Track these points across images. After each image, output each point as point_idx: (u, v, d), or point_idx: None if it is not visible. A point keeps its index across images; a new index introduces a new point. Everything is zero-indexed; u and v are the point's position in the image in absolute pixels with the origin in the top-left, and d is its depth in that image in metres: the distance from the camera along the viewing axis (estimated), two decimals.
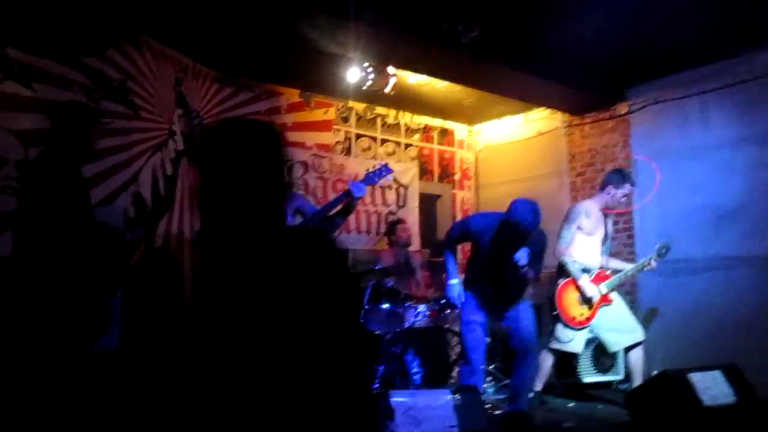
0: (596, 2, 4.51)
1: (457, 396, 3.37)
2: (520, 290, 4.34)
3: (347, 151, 7.11)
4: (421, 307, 5.35)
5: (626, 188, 4.91)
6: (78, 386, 3.37)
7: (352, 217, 6.81)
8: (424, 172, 7.82)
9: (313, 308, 1.42)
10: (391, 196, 7.29)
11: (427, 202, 7.83)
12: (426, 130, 7.88)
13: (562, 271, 4.88)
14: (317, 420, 1.38)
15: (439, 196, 8.04)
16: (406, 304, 5.35)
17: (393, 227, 6.31)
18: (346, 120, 7.14)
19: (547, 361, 4.98)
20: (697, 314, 5.59)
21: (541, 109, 7.29)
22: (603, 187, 5.00)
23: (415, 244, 7.08)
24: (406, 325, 5.23)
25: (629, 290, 6.03)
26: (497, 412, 4.75)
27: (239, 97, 6.24)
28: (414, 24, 4.89)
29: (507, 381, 5.38)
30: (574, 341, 4.82)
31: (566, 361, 5.22)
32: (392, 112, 7.52)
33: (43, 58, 4.37)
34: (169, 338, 4.13)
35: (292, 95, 6.68)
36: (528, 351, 4.34)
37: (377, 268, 5.54)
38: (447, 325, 5.46)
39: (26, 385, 3.22)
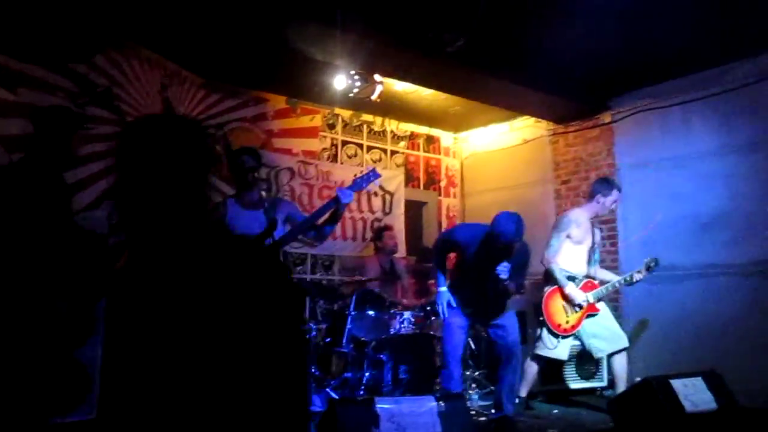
0: (580, 13, 4.55)
1: (442, 403, 3.38)
2: (502, 301, 4.37)
3: (333, 158, 7.13)
4: (407, 314, 5.37)
5: (614, 194, 4.96)
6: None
7: (338, 224, 6.83)
8: (410, 179, 7.85)
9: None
10: (377, 202, 7.31)
11: (413, 209, 7.86)
12: (412, 137, 7.92)
13: (548, 278, 4.92)
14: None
15: (425, 203, 8.06)
16: (392, 311, 5.37)
17: (379, 234, 6.32)
18: (332, 127, 7.16)
19: (532, 367, 5.00)
20: (679, 321, 5.64)
21: (526, 117, 7.35)
22: (591, 197, 5.03)
23: (401, 251, 7.10)
24: (392, 331, 5.25)
25: (613, 297, 6.08)
26: (482, 419, 4.77)
27: (226, 104, 6.24)
28: (400, 33, 4.92)
29: (492, 388, 5.41)
30: (559, 348, 4.85)
31: (551, 368, 5.25)
32: (378, 120, 7.55)
33: (30, 64, 4.36)
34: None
35: (279, 102, 6.69)
36: (512, 358, 4.36)
37: (362, 279, 5.57)
38: (432, 332, 5.47)
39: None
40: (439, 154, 8.21)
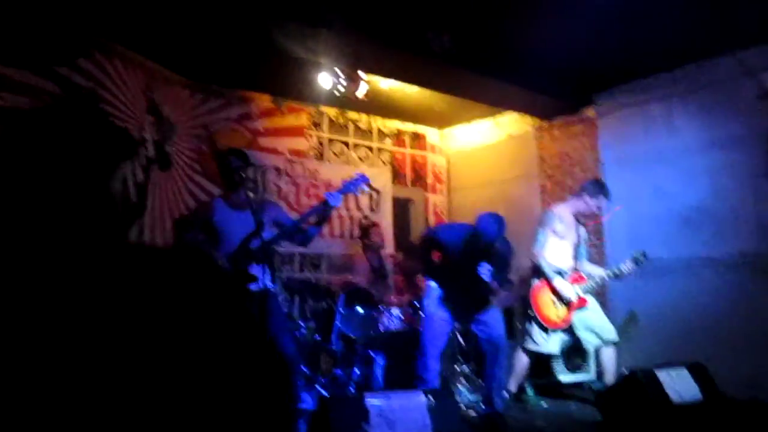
0: (563, 10, 4.59)
1: (431, 397, 3.41)
2: (485, 299, 4.42)
3: (320, 156, 7.13)
4: (396, 311, 5.39)
5: (600, 199, 4.98)
6: None
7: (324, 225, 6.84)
8: (397, 176, 7.87)
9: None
10: (364, 200, 7.33)
11: (400, 206, 7.89)
12: (398, 134, 7.94)
13: (535, 272, 4.96)
14: None
15: (411, 200, 8.09)
16: (381, 308, 5.39)
17: (366, 231, 6.33)
18: (318, 125, 7.16)
19: (521, 361, 5.04)
20: (665, 314, 5.71)
21: (511, 113, 7.39)
22: (579, 194, 5.07)
23: (389, 248, 7.12)
24: (381, 328, 5.27)
25: (599, 291, 6.12)
26: (471, 413, 4.81)
27: (210, 104, 6.23)
28: (384, 31, 4.93)
29: (481, 382, 5.45)
30: (548, 342, 4.90)
31: (540, 362, 5.29)
32: (364, 117, 7.56)
33: (14, 68, 4.32)
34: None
35: (264, 101, 6.68)
36: (498, 354, 4.40)
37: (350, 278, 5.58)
38: (421, 328, 5.49)
39: None
40: (426, 150, 8.24)
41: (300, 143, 6.96)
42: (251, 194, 3.87)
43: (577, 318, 4.87)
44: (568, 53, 5.28)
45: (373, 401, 3.32)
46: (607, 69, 5.95)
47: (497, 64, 5.65)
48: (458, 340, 5.58)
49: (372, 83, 6.10)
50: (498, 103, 6.93)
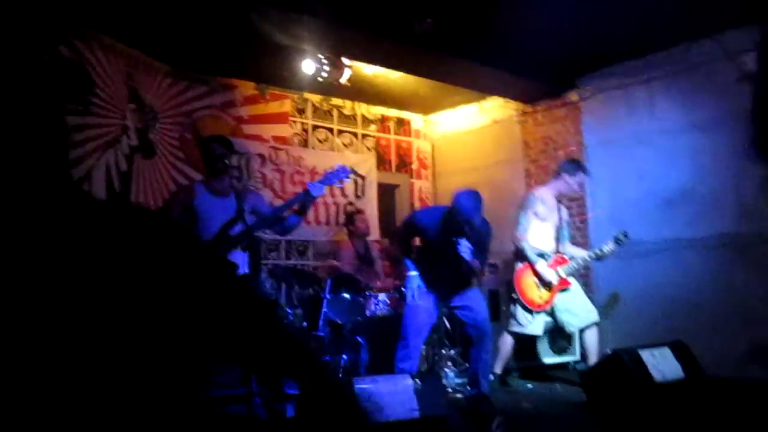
0: None
1: (418, 381, 3.45)
2: (466, 279, 4.41)
3: (304, 143, 7.12)
4: (382, 296, 5.43)
5: (580, 177, 5.06)
6: None
7: (311, 209, 6.84)
8: (382, 162, 7.88)
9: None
10: (349, 187, 7.32)
11: (385, 192, 7.89)
12: (382, 120, 7.93)
13: (519, 255, 5.01)
14: None
15: (397, 186, 8.10)
16: (367, 294, 5.42)
17: (352, 218, 6.34)
18: (302, 112, 7.14)
19: (506, 344, 5.09)
20: (648, 295, 5.78)
21: (495, 98, 7.40)
22: (557, 175, 5.13)
23: (375, 234, 7.14)
24: (368, 314, 5.30)
25: (583, 273, 6.19)
26: (458, 396, 4.86)
27: (193, 91, 6.19)
28: (367, 16, 4.92)
29: (467, 365, 5.50)
30: (533, 324, 4.95)
31: (525, 344, 5.35)
32: (348, 103, 7.55)
33: None
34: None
35: (247, 88, 6.65)
36: (483, 336, 4.40)
37: (336, 264, 5.60)
38: None
39: None
40: (410, 136, 8.24)
41: (284, 130, 6.94)
42: (235, 181, 3.86)
43: (559, 299, 4.93)
44: (550, 37, 5.31)
45: (361, 385, 3.35)
46: (590, 53, 5.98)
47: (480, 49, 5.65)
48: (444, 324, 5.62)
49: (356, 69, 6.09)
50: (481, 87, 6.93)
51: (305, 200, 3.94)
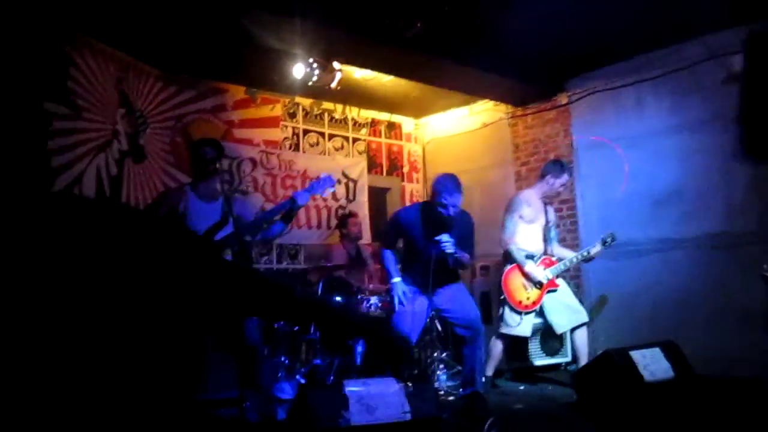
0: None
1: (409, 383, 3.45)
2: (452, 275, 4.40)
3: (295, 147, 7.12)
4: (374, 299, 5.42)
5: (564, 178, 5.09)
6: None
7: (302, 213, 6.86)
8: (373, 166, 7.89)
9: None
10: (341, 190, 7.33)
11: (377, 196, 7.91)
12: (373, 124, 7.95)
13: (508, 258, 5.02)
14: None
15: (388, 189, 8.12)
16: (359, 297, 5.42)
17: (344, 221, 6.35)
18: (293, 116, 7.15)
19: (497, 346, 5.11)
20: (638, 295, 5.82)
21: (485, 101, 7.44)
22: (542, 177, 5.16)
23: (366, 237, 7.15)
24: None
25: (574, 274, 6.24)
26: (450, 398, 4.86)
27: (184, 95, 6.18)
28: (357, 20, 4.93)
29: (459, 368, 5.51)
30: (521, 325, 4.96)
31: (516, 346, 5.36)
32: (339, 107, 7.56)
33: None
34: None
35: (238, 92, 6.65)
36: (476, 336, 4.38)
37: (328, 265, 5.61)
38: None
39: None
40: (401, 140, 8.26)
41: (275, 134, 6.94)
42: (225, 186, 3.86)
43: (548, 301, 4.95)
44: (539, 40, 5.32)
45: (352, 388, 3.35)
46: (579, 55, 6.01)
47: (470, 52, 5.68)
48: (436, 327, 5.63)
49: (346, 73, 6.10)
50: (472, 90, 6.97)
51: (291, 208, 3.94)
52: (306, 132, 7.25)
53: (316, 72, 5.83)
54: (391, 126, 8.16)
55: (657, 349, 4.20)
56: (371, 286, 5.96)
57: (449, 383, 5.28)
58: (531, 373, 5.61)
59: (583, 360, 4.86)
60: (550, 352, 5.70)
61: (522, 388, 5.29)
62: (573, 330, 4.97)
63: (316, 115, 7.36)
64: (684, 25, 5.33)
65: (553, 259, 5.05)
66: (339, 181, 7.29)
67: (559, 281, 5.02)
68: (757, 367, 4.82)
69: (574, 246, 6.11)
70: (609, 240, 4.91)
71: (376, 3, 4.79)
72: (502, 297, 5.01)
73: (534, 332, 5.30)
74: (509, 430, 3.93)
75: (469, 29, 5.31)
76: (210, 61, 5.86)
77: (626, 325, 5.79)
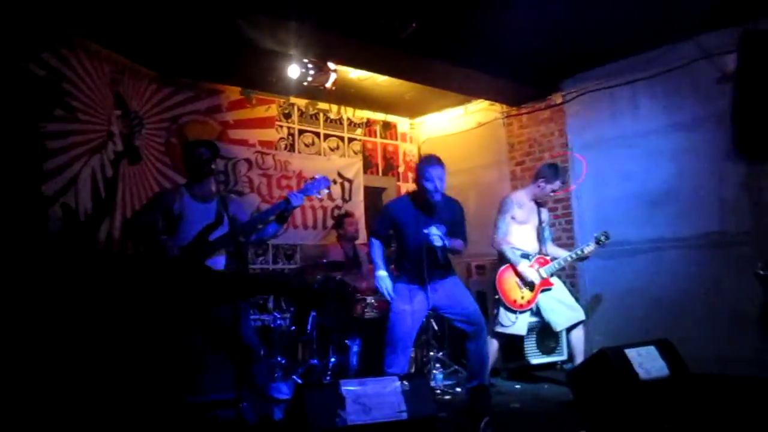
0: None
1: (405, 382, 3.46)
2: (446, 268, 4.36)
3: (291, 148, 7.13)
4: (370, 299, 5.43)
5: (556, 184, 5.07)
6: None
7: (298, 213, 6.87)
8: (369, 166, 7.90)
9: None
10: (336, 190, 7.35)
11: (373, 195, 7.92)
12: (369, 124, 7.96)
13: (502, 259, 5.04)
14: None
15: (384, 189, 8.13)
16: (355, 296, 5.43)
17: (340, 221, 6.36)
18: (288, 116, 7.16)
19: (492, 345, 5.10)
20: (633, 294, 5.84)
21: (480, 101, 7.45)
22: (534, 179, 5.17)
23: (362, 237, 7.15)
24: (356, 317, 5.32)
25: (570, 273, 6.26)
26: (447, 397, 4.88)
27: (179, 97, 6.19)
28: (352, 21, 4.94)
29: (456, 367, 5.53)
30: (516, 324, 4.97)
31: (512, 345, 5.38)
32: (334, 108, 7.57)
33: None
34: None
35: (233, 93, 6.66)
36: (478, 330, 4.33)
37: (324, 262, 5.62)
38: None
39: None
40: (396, 140, 8.28)
41: (270, 135, 6.95)
42: (220, 186, 3.87)
43: (544, 300, 4.97)
44: (534, 40, 5.34)
45: (348, 387, 3.36)
46: (573, 55, 6.02)
47: (465, 52, 5.69)
48: (432, 326, 5.64)
49: (341, 73, 6.11)
50: (466, 90, 6.98)
51: (285, 209, 3.94)
52: (301, 132, 7.26)
53: (312, 72, 5.85)
54: (387, 126, 8.17)
55: (652, 348, 4.22)
56: (367, 286, 5.97)
57: (446, 382, 5.29)
58: (527, 372, 5.63)
59: (579, 358, 4.88)
60: (546, 351, 5.72)
61: (518, 386, 5.31)
62: (570, 329, 4.99)
63: (311, 116, 7.37)
64: (678, 25, 5.34)
65: (548, 258, 5.07)
66: (335, 182, 7.30)
67: (554, 280, 5.04)
68: (750, 366, 4.86)
69: (569, 245, 6.12)
70: (603, 239, 4.93)
71: (372, 4, 4.79)
72: (496, 296, 5.02)
73: (530, 331, 5.32)
74: (505, 428, 3.95)
75: (463, 30, 5.32)
76: (205, 63, 5.86)
77: (621, 323, 5.81)
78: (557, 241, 5.78)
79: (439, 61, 5.74)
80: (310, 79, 5.87)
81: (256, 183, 6.68)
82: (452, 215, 4.34)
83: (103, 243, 5.13)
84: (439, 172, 4.19)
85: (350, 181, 7.53)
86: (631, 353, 4.10)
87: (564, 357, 5.72)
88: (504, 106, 7.28)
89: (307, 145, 7.29)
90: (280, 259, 6.85)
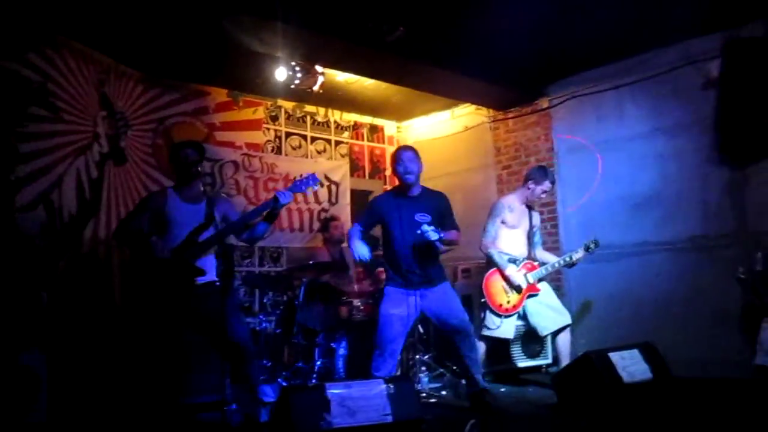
0: (515, 2, 4.68)
1: (391, 385, 3.46)
2: (436, 272, 4.38)
3: (278, 150, 7.12)
4: (356, 302, 5.43)
5: (545, 185, 5.11)
6: None
7: (285, 216, 6.86)
8: (355, 169, 7.91)
9: None
10: (323, 193, 7.34)
11: (359, 199, 7.91)
12: (356, 127, 7.97)
13: (489, 262, 5.05)
14: None
15: (370, 192, 8.12)
16: (341, 300, 5.42)
17: (326, 224, 6.35)
18: (275, 119, 7.15)
19: (479, 348, 5.13)
20: (617, 297, 5.88)
21: (467, 105, 7.48)
22: (525, 182, 5.20)
23: None
24: (342, 320, 5.31)
25: (555, 277, 6.28)
26: (432, 400, 4.88)
27: (165, 98, 6.17)
28: (339, 24, 4.94)
29: (442, 370, 5.53)
30: (502, 327, 4.99)
31: (498, 348, 5.39)
32: (322, 110, 7.57)
33: None
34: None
35: (220, 95, 6.64)
36: (468, 336, 4.35)
37: (311, 263, 5.60)
38: None
39: None
40: (383, 143, 8.29)
41: (257, 137, 6.94)
42: (207, 188, 3.86)
43: (530, 305, 4.99)
44: (521, 45, 5.37)
45: (334, 390, 3.35)
46: (560, 60, 6.07)
47: (452, 56, 5.71)
48: (419, 329, 5.64)
49: (329, 76, 6.12)
50: (454, 94, 7.01)
51: (274, 207, 3.92)
52: (288, 135, 7.26)
53: (299, 75, 5.85)
54: (374, 129, 8.18)
55: (635, 351, 4.24)
56: (354, 289, 5.97)
57: (431, 385, 5.29)
58: (512, 375, 5.64)
59: (565, 362, 4.89)
60: (532, 355, 5.73)
61: (503, 389, 5.32)
62: (556, 333, 5.01)
63: (298, 118, 7.36)
64: (663, 31, 5.39)
65: (535, 263, 5.09)
66: (321, 184, 7.29)
67: (541, 285, 5.06)
68: (733, 368, 4.90)
69: (554, 249, 6.16)
70: (592, 246, 4.94)
71: (359, 7, 4.80)
72: (483, 300, 5.04)
73: (516, 335, 5.34)
74: (490, 431, 3.95)
75: (450, 34, 5.34)
76: (192, 64, 5.84)
77: (606, 327, 5.85)
78: (543, 245, 5.80)
79: (426, 64, 5.76)
80: (297, 81, 5.87)
81: (242, 185, 6.66)
82: (437, 203, 4.40)
83: (88, 244, 5.10)
84: (409, 155, 4.35)
85: (337, 184, 7.53)
86: (614, 357, 4.11)
87: (549, 360, 5.74)
88: (491, 110, 7.31)
89: (294, 148, 7.29)
90: (266, 261, 6.84)
